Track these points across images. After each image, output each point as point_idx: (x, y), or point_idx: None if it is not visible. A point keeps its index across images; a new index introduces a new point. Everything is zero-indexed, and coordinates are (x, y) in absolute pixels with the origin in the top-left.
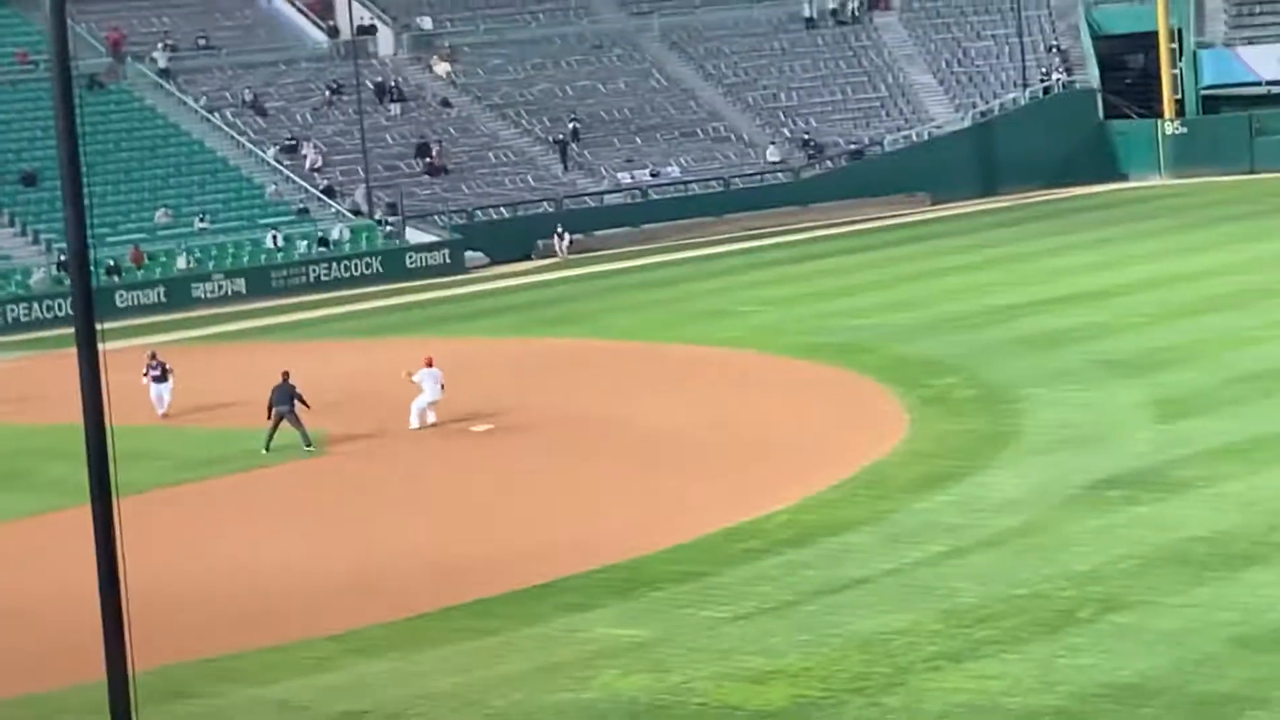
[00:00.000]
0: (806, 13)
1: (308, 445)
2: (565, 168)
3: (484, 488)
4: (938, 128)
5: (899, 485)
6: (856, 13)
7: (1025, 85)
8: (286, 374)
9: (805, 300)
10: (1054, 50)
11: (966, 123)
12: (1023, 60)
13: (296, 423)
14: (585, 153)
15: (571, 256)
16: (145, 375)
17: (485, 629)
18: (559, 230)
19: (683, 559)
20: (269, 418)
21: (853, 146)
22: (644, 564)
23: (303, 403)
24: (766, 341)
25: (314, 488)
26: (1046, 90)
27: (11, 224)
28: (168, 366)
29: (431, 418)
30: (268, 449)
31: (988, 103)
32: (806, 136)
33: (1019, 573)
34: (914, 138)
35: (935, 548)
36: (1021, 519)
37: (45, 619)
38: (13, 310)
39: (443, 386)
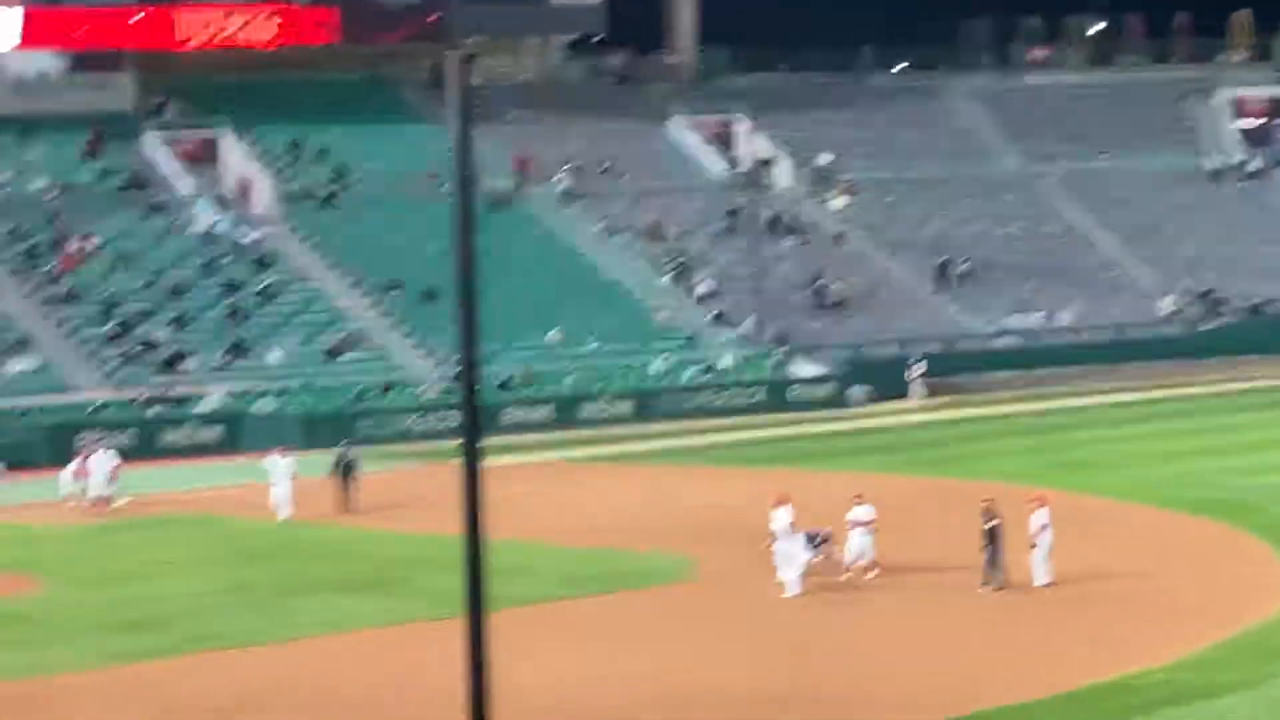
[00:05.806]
0: (1210, 165)
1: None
2: (955, 307)
3: (847, 628)
4: None
5: None
6: (1261, 169)
7: None
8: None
9: (1193, 455)
10: None
11: None
12: None
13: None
14: (976, 294)
15: (943, 398)
16: None
17: None
18: (910, 363)
19: (1044, 714)
20: None
21: (1253, 302)
22: (1001, 715)
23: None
24: (1150, 494)
25: (677, 613)
26: None
27: (410, 336)
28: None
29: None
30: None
31: None
32: (1204, 289)
33: None
34: None
35: None
36: None
37: None
38: (405, 419)
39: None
